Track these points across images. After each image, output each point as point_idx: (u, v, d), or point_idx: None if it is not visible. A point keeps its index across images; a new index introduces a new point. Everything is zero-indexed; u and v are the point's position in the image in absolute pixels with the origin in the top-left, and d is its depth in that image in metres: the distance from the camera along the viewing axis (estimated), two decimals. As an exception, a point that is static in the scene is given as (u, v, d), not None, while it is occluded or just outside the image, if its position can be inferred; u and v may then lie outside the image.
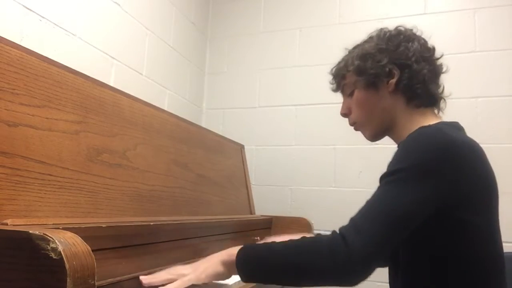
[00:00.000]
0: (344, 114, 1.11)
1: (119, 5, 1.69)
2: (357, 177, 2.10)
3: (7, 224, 0.67)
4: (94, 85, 1.05)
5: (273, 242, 0.90)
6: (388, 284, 1.09)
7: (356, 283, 0.81)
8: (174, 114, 1.45)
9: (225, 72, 2.46)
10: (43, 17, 1.32)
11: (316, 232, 1.91)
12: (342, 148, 2.15)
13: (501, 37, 1.95)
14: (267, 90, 2.35)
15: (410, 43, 1.02)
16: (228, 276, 0.92)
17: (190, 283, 0.89)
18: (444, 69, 1.07)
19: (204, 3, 2.46)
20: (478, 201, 0.89)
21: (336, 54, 2.40)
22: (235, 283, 1.01)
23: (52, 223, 0.74)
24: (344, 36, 2.21)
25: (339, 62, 1.12)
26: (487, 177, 0.93)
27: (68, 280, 0.52)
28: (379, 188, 0.88)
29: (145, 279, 0.90)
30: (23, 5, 1.25)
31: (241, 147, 2.03)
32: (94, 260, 0.57)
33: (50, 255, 0.53)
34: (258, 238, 1.72)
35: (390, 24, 2.26)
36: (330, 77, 1.14)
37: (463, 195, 0.86)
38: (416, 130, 0.93)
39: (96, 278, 0.56)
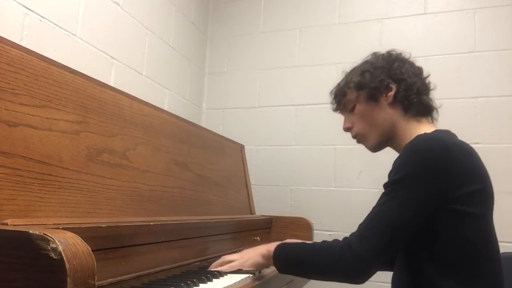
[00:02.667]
0: (347, 128, 1.20)
1: (119, 5, 1.69)
2: (357, 177, 2.10)
3: (7, 224, 0.67)
4: (94, 85, 1.05)
5: (303, 243, 1.09)
6: (388, 284, 1.10)
7: (362, 282, 0.97)
8: (174, 114, 1.45)
9: (225, 72, 2.46)
10: (43, 17, 1.32)
11: (315, 232, 1.92)
12: (342, 148, 2.15)
13: (501, 37, 1.95)
14: (267, 90, 2.35)
15: (402, 63, 1.14)
16: (267, 266, 1.13)
17: (236, 268, 1.12)
18: (432, 87, 1.17)
19: (204, 3, 2.46)
20: (472, 195, 0.96)
21: (336, 54, 2.41)
22: (235, 283, 1.01)
23: (52, 223, 0.74)
24: (344, 36, 2.22)
25: (339, 83, 1.22)
26: (478, 174, 1.00)
27: (68, 280, 0.52)
28: (381, 197, 1.00)
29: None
30: (23, 5, 1.25)
31: (241, 147, 2.03)
32: (94, 260, 0.56)
33: (50, 255, 0.53)
34: (258, 238, 1.72)
35: (390, 24, 2.27)
36: (330, 97, 1.23)
37: (457, 192, 0.94)
38: (413, 139, 1.02)
39: (96, 278, 0.56)
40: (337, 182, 2.15)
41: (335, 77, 2.23)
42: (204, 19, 2.46)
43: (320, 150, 2.20)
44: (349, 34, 2.21)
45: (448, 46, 2.02)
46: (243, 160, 2.00)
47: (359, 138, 1.18)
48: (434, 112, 1.14)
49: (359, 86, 1.13)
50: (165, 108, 1.66)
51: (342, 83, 1.20)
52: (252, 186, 2.04)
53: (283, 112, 2.30)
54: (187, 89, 2.27)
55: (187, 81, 2.27)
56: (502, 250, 1.41)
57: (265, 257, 1.10)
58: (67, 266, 0.52)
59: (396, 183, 0.96)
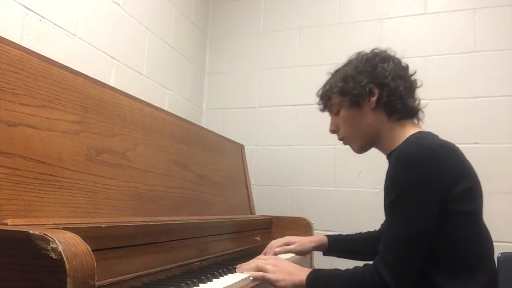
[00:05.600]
0: (333, 131, 1.23)
1: (119, 5, 1.69)
2: (357, 177, 2.10)
3: (7, 224, 0.67)
4: (94, 85, 1.05)
5: (335, 271, 1.05)
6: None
7: None
8: (174, 114, 1.45)
9: (225, 72, 2.46)
10: (43, 17, 1.32)
11: (315, 232, 1.92)
12: (342, 148, 2.14)
13: (501, 37, 1.95)
14: (267, 90, 2.35)
15: (386, 64, 1.12)
16: None
17: (264, 280, 1.07)
18: (418, 84, 1.16)
19: (204, 3, 2.46)
20: (464, 196, 0.98)
21: (336, 54, 2.40)
22: (235, 283, 1.01)
23: (52, 223, 0.74)
24: (344, 36, 2.22)
25: (324, 85, 1.23)
26: (469, 174, 1.02)
27: (68, 280, 0.52)
28: (389, 217, 1.00)
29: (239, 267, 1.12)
30: (23, 5, 1.25)
31: (241, 147, 2.03)
32: (94, 260, 0.56)
33: (50, 255, 0.53)
34: (258, 238, 1.72)
35: (390, 24, 2.27)
36: (317, 98, 1.25)
37: (452, 194, 0.96)
38: (398, 149, 1.03)
39: (96, 278, 0.56)
40: (337, 182, 2.15)
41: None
42: (204, 19, 2.46)
43: (320, 150, 2.20)
44: (349, 34, 2.21)
45: (448, 46, 2.02)
46: (243, 160, 2.00)
47: (346, 141, 1.21)
48: (419, 113, 1.15)
49: (342, 92, 1.14)
50: (165, 108, 1.66)
51: (327, 87, 1.21)
52: (252, 186, 2.04)
53: (283, 112, 2.30)
54: (187, 89, 2.27)
55: (187, 81, 2.27)
56: (501, 250, 1.42)
57: (293, 281, 1.05)
58: (67, 266, 0.52)
59: (396, 202, 0.97)
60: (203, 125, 2.32)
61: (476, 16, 2.00)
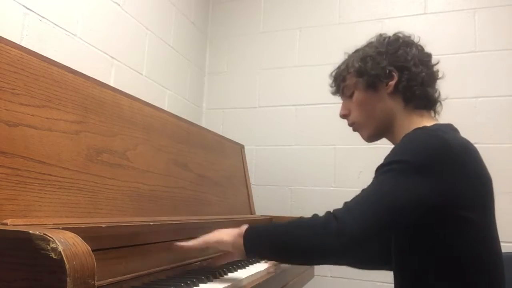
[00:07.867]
0: (344, 115, 1.14)
1: (119, 5, 1.69)
2: (357, 177, 2.10)
3: (7, 224, 0.67)
4: (94, 85, 1.05)
5: (277, 222, 1.00)
6: (388, 284, 1.09)
7: (341, 259, 0.91)
8: (174, 114, 1.45)
9: (225, 72, 2.46)
10: (43, 17, 1.32)
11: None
12: (342, 148, 2.15)
13: (501, 37, 1.95)
14: (267, 90, 2.35)
15: (409, 48, 1.06)
16: (230, 248, 1.00)
17: (198, 243, 1.03)
18: (440, 75, 1.10)
19: (204, 3, 2.46)
20: (473, 199, 0.91)
21: (336, 54, 2.39)
22: (234, 283, 1.01)
23: (52, 223, 0.74)
24: (344, 36, 2.22)
25: (339, 66, 1.15)
26: (480, 176, 0.95)
27: (68, 280, 0.52)
28: (375, 178, 0.93)
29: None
30: (23, 5, 1.25)
31: (241, 147, 2.03)
32: (94, 260, 0.56)
33: (50, 255, 0.53)
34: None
35: (390, 24, 2.27)
36: (330, 79, 1.17)
37: (458, 194, 0.89)
38: (412, 131, 0.96)
39: (96, 278, 0.56)
40: (337, 182, 2.15)
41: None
42: (204, 19, 2.46)
43: (320, 150, 2.20)
44: (349, 34, 2.21)
45: (448, 46, 2.02)
46: (243, 160, 2.00)
47: (355, 126, 1.12)
48: (438, 105, 1.08)
49: (359, 73, 1.06)
50: (165, 108, 1.66)
51: (342, 67, 1.13)
52: (252, 186, 2.04)
53: (283, 112, 2.30)
54: (187, 89, 2.27)
55: (187, 81, 2.27)
56: (502, 250, 1.42)
57: (231, 235, 0.99)
58: (67, 266, 0.52)
59: (391, 164, 0.90)
60: (203, 125, 2.32)
61: (476, 16, 2.00)
